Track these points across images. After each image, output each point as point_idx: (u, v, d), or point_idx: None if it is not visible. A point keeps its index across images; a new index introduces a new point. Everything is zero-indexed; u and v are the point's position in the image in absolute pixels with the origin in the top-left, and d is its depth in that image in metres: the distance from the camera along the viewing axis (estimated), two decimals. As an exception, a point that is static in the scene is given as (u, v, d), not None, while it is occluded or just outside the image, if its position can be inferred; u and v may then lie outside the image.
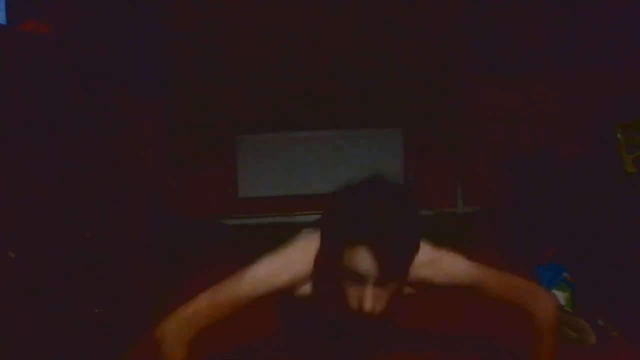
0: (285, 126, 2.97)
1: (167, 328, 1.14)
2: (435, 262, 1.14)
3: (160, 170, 2.86)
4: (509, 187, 2.79)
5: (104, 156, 1.78)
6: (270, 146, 2.95)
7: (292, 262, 1.15)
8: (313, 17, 2.88)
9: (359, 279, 0.96)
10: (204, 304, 1.16)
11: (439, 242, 1.34)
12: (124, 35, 2.67)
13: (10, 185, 1.30)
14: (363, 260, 0.94)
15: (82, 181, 1.61)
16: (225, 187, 3.00)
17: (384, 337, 1.65)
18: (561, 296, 1.90)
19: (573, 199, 2.22)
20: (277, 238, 1.23)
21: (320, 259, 1.13)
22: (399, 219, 0.95)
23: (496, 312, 1.53)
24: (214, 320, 1.15)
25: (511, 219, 2.68)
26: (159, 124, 2.93)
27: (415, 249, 0.99)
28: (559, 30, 2.90)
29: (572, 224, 2.21)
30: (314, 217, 1.61)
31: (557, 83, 2.92)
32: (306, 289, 1.17)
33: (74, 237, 1.54)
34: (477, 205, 3.06)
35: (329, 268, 1.05)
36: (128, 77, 2.38)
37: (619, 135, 2.16)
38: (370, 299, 0.96)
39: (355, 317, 1.01)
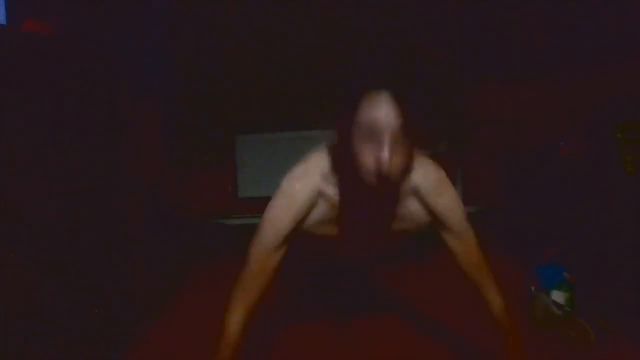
0: (285, 126, 2.98)
1: (229, 308, 1.22)
2: (439, 189, 1.21)
3: (160, 170, 2.86)
4: (509, 187, 2.79)
5: (104, 156, 1.78)
6: (270, 146, 2.96)
7: (302, 173, 1.23)
8: (313, 17, 2.88)
9: (376, 130, 1.00)
10: (246, 273, 1.23)
11: (439, 242, 1.34)
12: (124, 35, 2.67)
13: (10, 185, 1.30)
14: (379, 106, 1.00)
15: (82, 181, 1.61)
16: (225, 187, 3.00)
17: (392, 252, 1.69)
18: (561, 296, 1.90)
19: (573, 199, 2.22)
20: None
21: (337, 136, 1.16)
22: (412, 71, 1.02)
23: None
24: (263, 282, 1.22)
25: (511, 219, 2.68)
26: (159, 124, 2.94)
27: (425, 103, 1.06)
28: (559, 30, 2.90)
29: (572, 224, 2.21)
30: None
31: (557, 83, 2.93)
32: (327, 193, 1.22)
33: (74, 237, 1.54)
34: (477, 205, 3.06)
35: (344, 132, 1.08)
36: (128, 77, 2.38)
37: (619, 135, 2.16)
38: (387, 149, 0.99)
39: (371, 214, 1.08)
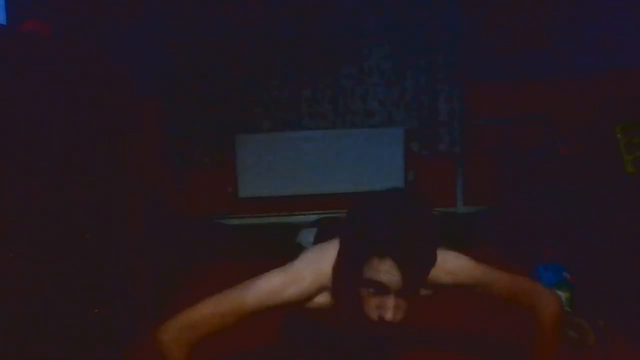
0: (285, 126, 2.98)
1: (168, 331, 1.13)
2: (440, 263, 1.15)
3: (160, 170, 2.87)
4: (508, 187, 2.79)
5: (104, 156, 1.78)
6: (270, 146, 2.96)
7: (300, 277, 1.13)
8: (313, 17, 2.88)
9: (382, 289, 0.98)
10: (208, 311, 1.13)
11: (439, 242, 1.34)
12: (124, 35, 2.68)
13: (10, 186, 1.30)
14: (387, 272, 0.96)
15: (82, 181, 1.61)
16: (225, 187, 3.00)
17: (393, 343, 1.67)
18: (561, 296, 1.90)
19: (573, 199, 2.22)
20: (277, 238, 1.24)
21: (338, 270, 1.12)
22: (421, 231, 0.98)
23: (499, 311, 1.53)
24: (216, 328, 1.13)
25: (511, 219, 2.68)
26: (159, 124, 2.94)
27: (434, 259, 1.01)
28: (559, 30, 2.90)
29: (572, 224, 2.21)
30: (313, 217, 1.62)
31: (557, 83, 2.93)
32: (319, 300, 1.16)
33: (74, 237, 1.54)
34: (477, 205, 3.06)
35: (347, 279, 1.05)
36: (128, 77, 2.38)
37: (619, 135, 2.16)
38: (392, 309, 0.98)
39: (371, 327, 1.02)
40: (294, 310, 1.22)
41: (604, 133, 2.27)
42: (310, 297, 1.14)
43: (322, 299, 1.16)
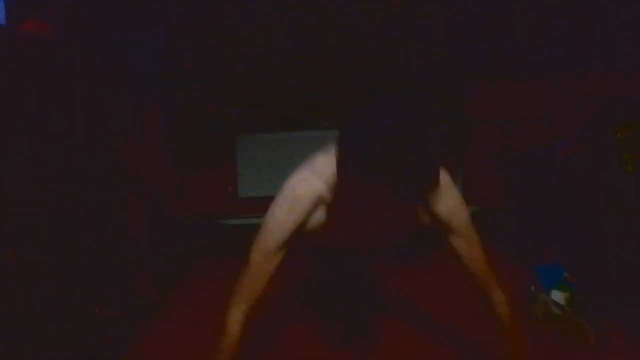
0: (285, 126, 2.98)
1: (230, 308, 1.24)
2: (443, 191, 1.23)
3: (160, 170, 2.86)
4: (509, 187, 2.79)
5: (104, 156, 1.78)
6: (270, 146, 2.95)
7: (295, 198, 1.22)
8: (313, 17, 2.88)
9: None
10: (246, 277, 1.24)
11: (439, 242, 1.34)
12: (124, 35, 2.67)
13: (10, 185, 1.30)
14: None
15: (82, 181, 1.61)
16: (225, 187, 3.00)
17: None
18: (561, 296, 1.90)
19: (573, 199, 2.22)
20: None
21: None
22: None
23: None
24: (263, 286, 1.24)
25: (511, 219, 2.68)
26: (159, 124, 2.93)
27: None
28: (558, 30, 2.90)
29: (572, 224, 2.21)
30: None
31: (557, 83, 2.92)
32: (317, 217, 1.24)
33: (74, 237, 1.54)
34: (477, 205, 3.06)
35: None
36: (128, 77, 2.38)
37: (619, 135, 2.16)
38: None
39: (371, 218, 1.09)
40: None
41: (604, 133, 2.27)
42: (312, 211, 1.23)
43: (320, 214, 1.24)
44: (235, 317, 1.23)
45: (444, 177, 1.27)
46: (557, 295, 1.91)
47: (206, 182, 3.02)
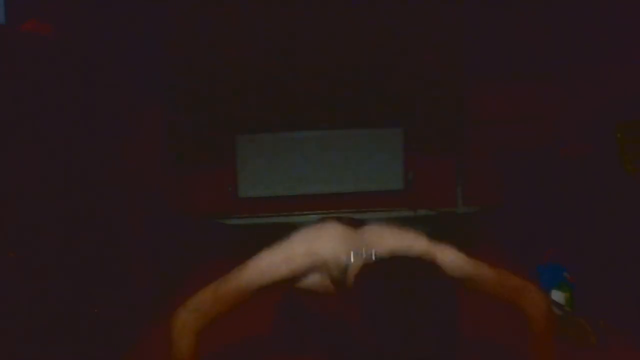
0: (285, 126, 2.97)
1: (175, 318, 1.20)
2: (431, 255, 1.16)
3: (160, 170, 2.86)
4: (509, 187, 2.79)
5: (104, 156, 1.78)
6: (270, 146, 2.95)
7: (292, 256, 1.17)
8: (313, 17, 2.88)
9: None
10: (209, 294, 1.20)
11: (439, 241, 1.34)
12: (124, 35, 2.67)
13: (10, 186, 1.30)
14: None
15: (82, 181, 1.61)
16: (225, 187, 3.00)
17: None
18: (561, 296, 1.90)
19: (573, 199, 2.22)
20: (277, 238, 1.24)
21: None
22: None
23: (495, 311, 1.53)
24: (217, 312, 1.19)
25: (511, 219, 2.68)
26: (159, 124, 2.93)
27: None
28: (559, 30, 2.90)
29: (572, 224, 2.21)
30: (314, 217, 1.62)
31: (557, 83, 2.92)
32: (311, 281, 1.19)
33: (73, 237, 1.54)
34: (477, 205, 3.06)
35: None
36: (128, 77, 2.38)
37: (619, 135, 2.16)
38: None
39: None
40: (287, 291, 1.25)
41: (604, 133, 2.27)
42: (301, 275, 1.17)
43: (314, 279, 1.19)
44: (188, 341, 1.17)
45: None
46: (557, 295, 1.91)
47: (206, 182, 3.02)
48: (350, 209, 2.95)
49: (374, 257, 1.09)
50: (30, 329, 1.32)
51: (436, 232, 1.33)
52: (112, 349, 1.67)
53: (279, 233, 1.29)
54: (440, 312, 0.90)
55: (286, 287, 1.22)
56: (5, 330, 1.23)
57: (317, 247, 1.17)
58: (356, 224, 1.31)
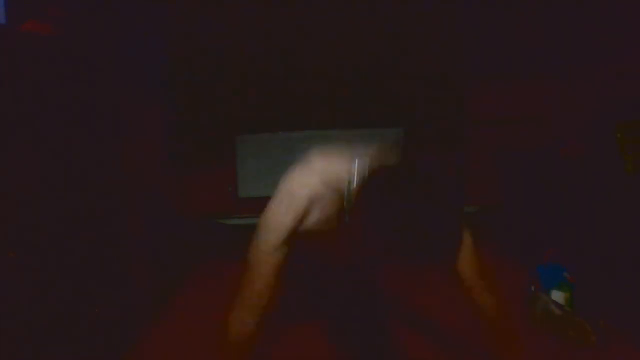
0: (285, 126, 2.98)
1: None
2: None
3: (160, 170, 2.86)
4: (508, 187, 2.79)
5: (104, 156, 1.78)
6: (270, 146, 2.96)
7: (306, 173, 1.26)
8: (313, 17, 2.88)
9: None
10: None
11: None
12: (124, 35, 2.67)
13: (10, 185, 1.30)
14: None
15: (82, 181, 1.61)
16: (225, 187, 3.00)
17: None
18: (561, 296, 1.90)
19: (573, 199, 2.22)
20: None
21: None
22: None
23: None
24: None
25: (511, 219, 2.68)
26: (159, 124, 2.93)
27: None
28: (559, 30, 2.90)
29: (572, 224, 2.21)
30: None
31: (557, 83, 2.92)
32: (311, 220, 1.25)
33: (74, 237, 1.54)
34: (477, 205, 3.06)
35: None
36: (128, 77, 2.38)
37: (619, 135, 2.16)
38: None
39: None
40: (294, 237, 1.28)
41: (604, 133, 2.27)
42: (319, 194, 1.23)
43: (316, 214, 1.25)
44: (242, 319, 1.21)
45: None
46: (557, 295, 1.91)
47: (206, 182, 3.02)
48: (350, 209, 2.94)
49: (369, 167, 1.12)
50: (30, 329, 1.32)
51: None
52: (112, 349, 1.67)
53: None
54: (443, 205, 0.94)
55: (303, 223, 1.25)
56: (5, 330, 1.23)
57: (310, 182, 1.25)
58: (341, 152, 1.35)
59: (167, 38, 2.86)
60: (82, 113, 1.64)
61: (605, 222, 2.00)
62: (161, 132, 2.94)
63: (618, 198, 1.98)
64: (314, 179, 1.24)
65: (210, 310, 1.39)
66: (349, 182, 1.15)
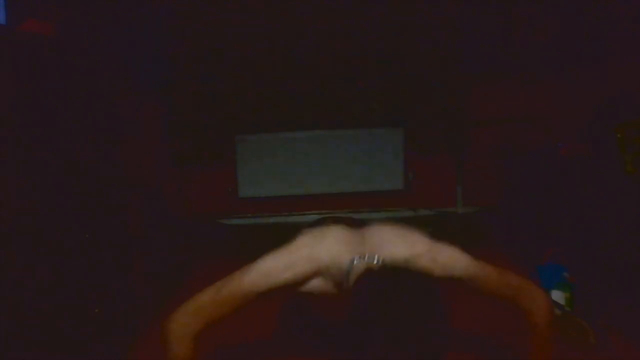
0: (285, 126, 2.98)
1: (173, 321, 1.17)
2: (433, 254, 1.15)
3: (160, 170, 2.86)
4: (508, 187, 2.79)
5: (104, 156, 1.78)
6: (270, 146, 2.96)
7: (295, 260, 1.16)
8: (313, 17, 2.88)
9: None
10: (208, 298, 1.18)
11: (440, 241, 1.34)
12: (124, 34, 2.67)
13: (10, 185, 1.30)
14: None
15: (82, 181, 1.61)
16: (225, 187, 3.00)
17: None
18: (561, 296, 1.90)
19: (573, 199, 2.22)
20: (277, 238, 1.24)
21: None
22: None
23: (495, 310, 1.53)
24: (218, 315, 1.16)
25: (511, 219, 2.68)
26: (159, 123, 2.93)
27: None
28: (558, 30, 2.90)
29: (572, 224, 2.21)
30: (313, 217, 1.62)
31: (557, 83, 2.93)
32: (313, 285, 1.18)
33: (74, 237, 1.54)
34: (477, 205, 3.06)
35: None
36: (128, 77, 2.38)
37: (619, 135, 2.16)
38: None
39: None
40: (289, 295, 1.24)
41: (604, 133, 2.27)
42: (304, 280, 1.16)
43: (317, 283, 1.18)
44: (187, 344, 1.14)
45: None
46: (557, 295, 1.91)
47: (206, 182, 3.02)
48: (350, 209, 2.95)
49: (375, 262, 1.09)
50: (31, 328, 1.32)
51: (436, 232, 1.33)
52: (112, 349, 1.67)
53: (279, 233, 1.29)
54: (428, 325, 0.93)
55: (289, 291, 1.20)
56: (6, 330, 1.23)
57: (319, 252, 1.16)
58: (358, 224, 1.31)
59: (167, 38, 2.86)
60: (82, 113, 1.64)
61: (605, 222, 2.00)
62: (161, 132, 2.94)
63: (618, 198, 1.98)
64: (323, 254, 1.16)
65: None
66: (348, 275, 1.11)
